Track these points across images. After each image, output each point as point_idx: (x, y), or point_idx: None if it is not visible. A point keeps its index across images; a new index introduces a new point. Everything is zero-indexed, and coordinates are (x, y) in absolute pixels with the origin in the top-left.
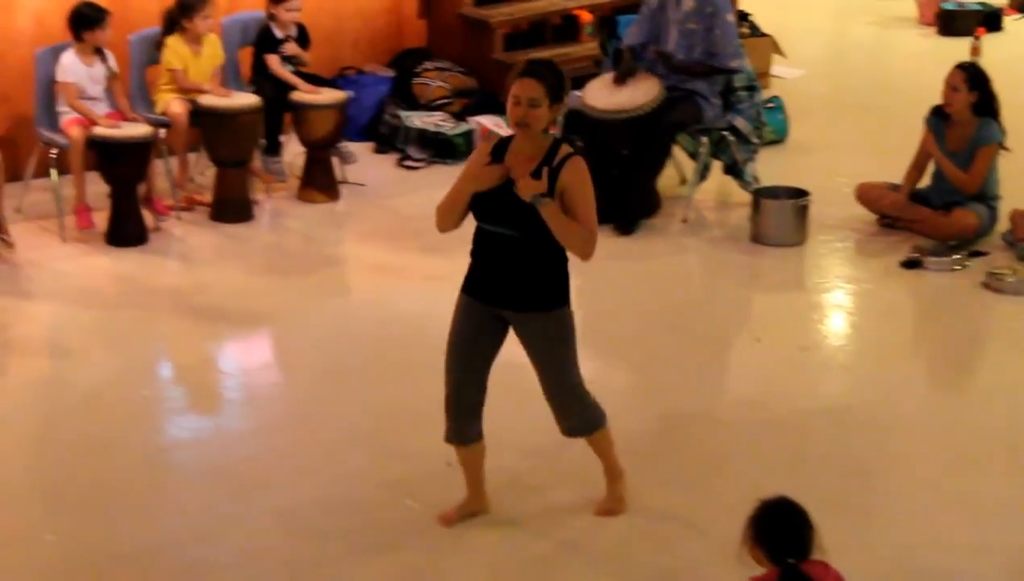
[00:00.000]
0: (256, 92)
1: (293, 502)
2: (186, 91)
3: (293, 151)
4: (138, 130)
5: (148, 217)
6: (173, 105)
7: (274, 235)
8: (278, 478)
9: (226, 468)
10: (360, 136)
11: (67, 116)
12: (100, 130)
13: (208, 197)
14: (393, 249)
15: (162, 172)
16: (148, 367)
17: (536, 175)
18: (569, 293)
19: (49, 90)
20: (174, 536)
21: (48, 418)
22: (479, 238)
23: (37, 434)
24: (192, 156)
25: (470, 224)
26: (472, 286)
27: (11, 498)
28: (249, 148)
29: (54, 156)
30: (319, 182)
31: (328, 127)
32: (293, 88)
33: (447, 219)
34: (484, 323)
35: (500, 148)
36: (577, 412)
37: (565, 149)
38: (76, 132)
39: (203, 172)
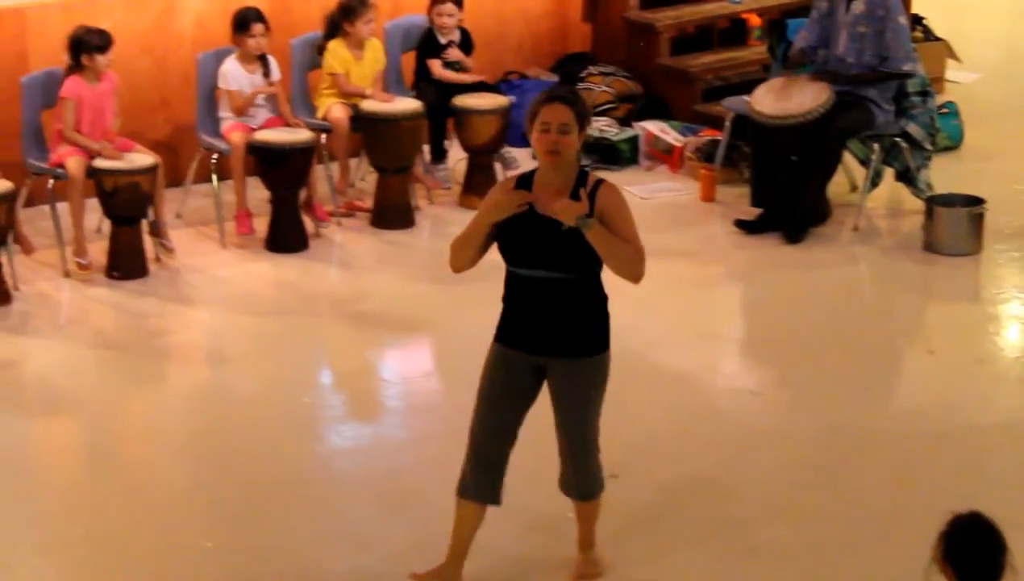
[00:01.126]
0: (418, 97)
1: (449, 516)
2: (347, 96)
3: (454, 156)
4: (299, 135)
5: (308, 223)
6: (334, 110)
7: (435, 242)
8: (437, 488)
9: (386, 477)
10: (523, 141)
11: (228, 121)
12: (261, 135)
13: (369, 203)
14: None
15: (323, 178)
16: (308, 374)
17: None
18: (610, 336)
19: (210, 95)
20: (332, 545)
21: (207, 425)
22: (514, 285)
23: (197, 441)
24: (353, 161)
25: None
26: (509, 335)
27: (171, 505)
28: (411, 153)
29: (215, 161)
30: (481, 188)
31: (490, 132)
32: (455, 93)
33: (463, 255)
34: (521, 376)
35: (524, 182)
36: (593, 471)
37: (594, 176)
38: (237, 137)
39: (364, 178)
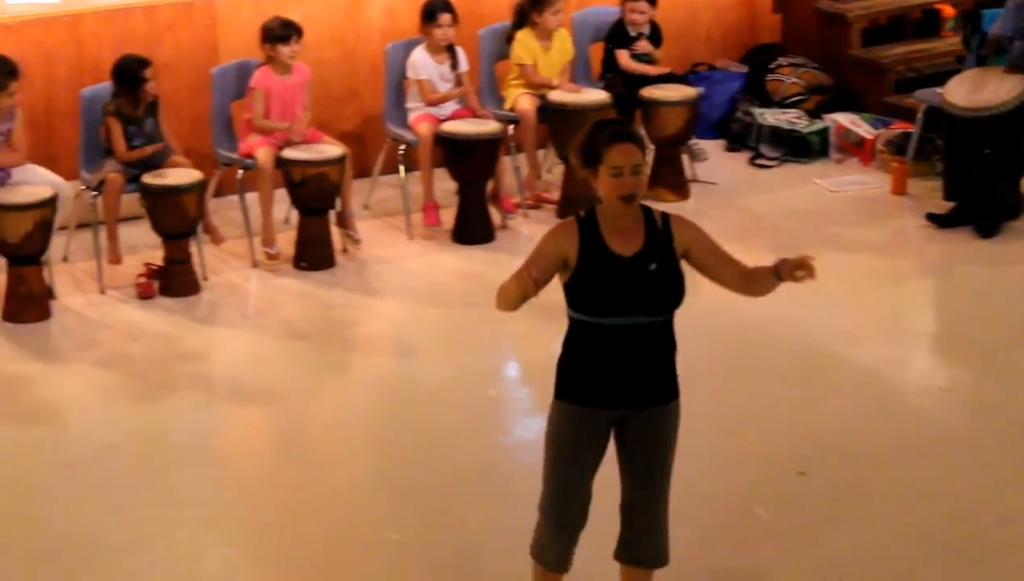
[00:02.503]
0: (606, 88)
1: None
2: (535, 87)
3: None
4: (487, 127)
5: (495, 215)
6: (522, 101)
7: None
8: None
9: None
10: (711, 133)
11: (416, 112)
12: (448, 126)
13: (556, 195)
14: (744, 249)
15: (510, 169)
16: (494, 366)
17: (653, 247)
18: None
19: (398, 86)
20: (517, 539)
21: (393, 417)
22: (596, 337)
23: (382, 433)
24: (540, 153)
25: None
26: (587, 393)
27: (357, 496)
28: None
29: (402, 152)
30: (668, 180)
31: (678, 124)
32: (643, 85)
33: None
34: (601, 434)
35: (587, 224)
36: (666, 532)
37: (656, 210)
38: (425, 128)
39: (551, 169)
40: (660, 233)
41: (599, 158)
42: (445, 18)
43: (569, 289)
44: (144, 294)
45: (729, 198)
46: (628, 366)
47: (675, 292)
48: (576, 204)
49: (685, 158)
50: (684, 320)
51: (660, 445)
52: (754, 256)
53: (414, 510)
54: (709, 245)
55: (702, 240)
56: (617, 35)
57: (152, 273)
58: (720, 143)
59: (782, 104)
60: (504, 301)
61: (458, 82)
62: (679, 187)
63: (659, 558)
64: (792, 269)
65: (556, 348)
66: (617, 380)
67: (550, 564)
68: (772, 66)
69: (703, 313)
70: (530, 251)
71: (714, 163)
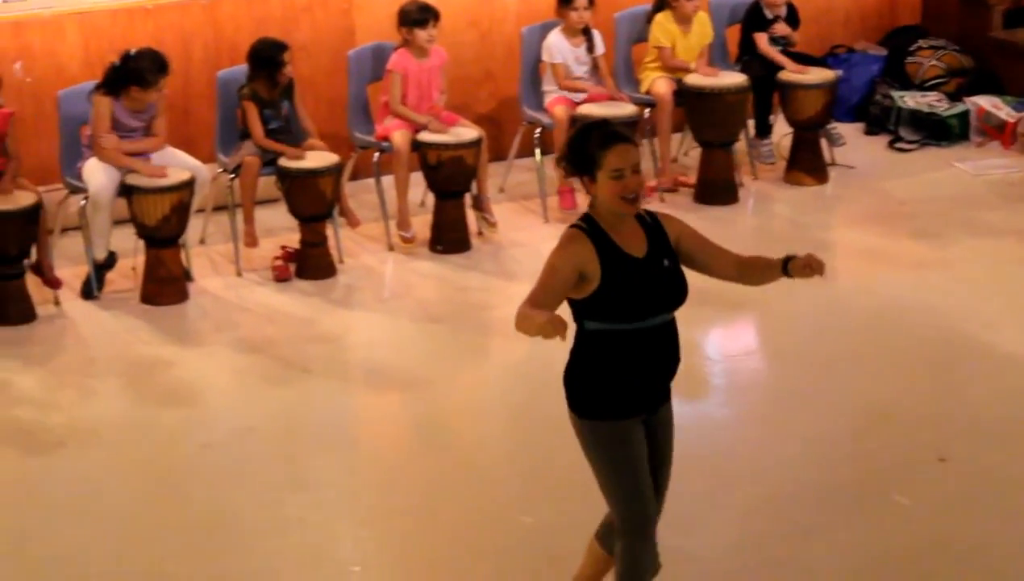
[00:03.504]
0: (743, 71)
1: (773, 494)
2: (672, 70)
3: (780, 132)
4: (622, 110)
5: None
6: (658, 84)
7: (760, 218)
8: (758, 468)
9: (706, 456)
10: (850, 117)
11: (552, 95)
12: (584, 109)
13: (692, 178)
14: (883, 234)
15: (645, 152)
16: None
17: (657, 244)
18: None
19: (534, 69)
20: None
21: (529, 400)
22: (624, 344)
23: (518, 416)
24: (676, 136)
25: None
26: (630, 403)
27: (492, 479)
28: (736, 128)
29: (538, 135)
30: (807, 164)
31: (816, 107)
32: (781, 67)
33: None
34: (642, 437)
35: (594, 231)
36: None
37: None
38: (560, 111)
39: (687, 153)
40: (654, 230)
41: (595, 163)
42: (581, 1)
43: (593, 301)
44: (280, 277)
45: (868, 182)
46: (656, 366)
47: (685, 285)
48: (713, 188)
49: (823, 142)
50: (824, 307)
51: (670, 441)
52: (894, 242)
53: (548, 494)
54: (697, 236)
55: (689, 231)
56: (754, 18)
57: (288, 256)
58: (859, 126)
59: (922, 87)
60: (527, 329)
61: (594, 66)
62: (818, 171)
63: None
64: (802, 267)
65: (692, 333)
66: (649, 382)
67: (654, 570)
68: (912, 48)
69: (843, 299)
70: None
71: (852, 147)
